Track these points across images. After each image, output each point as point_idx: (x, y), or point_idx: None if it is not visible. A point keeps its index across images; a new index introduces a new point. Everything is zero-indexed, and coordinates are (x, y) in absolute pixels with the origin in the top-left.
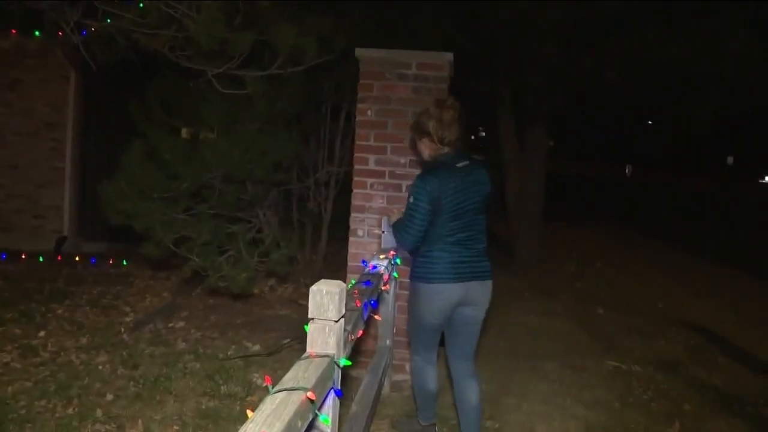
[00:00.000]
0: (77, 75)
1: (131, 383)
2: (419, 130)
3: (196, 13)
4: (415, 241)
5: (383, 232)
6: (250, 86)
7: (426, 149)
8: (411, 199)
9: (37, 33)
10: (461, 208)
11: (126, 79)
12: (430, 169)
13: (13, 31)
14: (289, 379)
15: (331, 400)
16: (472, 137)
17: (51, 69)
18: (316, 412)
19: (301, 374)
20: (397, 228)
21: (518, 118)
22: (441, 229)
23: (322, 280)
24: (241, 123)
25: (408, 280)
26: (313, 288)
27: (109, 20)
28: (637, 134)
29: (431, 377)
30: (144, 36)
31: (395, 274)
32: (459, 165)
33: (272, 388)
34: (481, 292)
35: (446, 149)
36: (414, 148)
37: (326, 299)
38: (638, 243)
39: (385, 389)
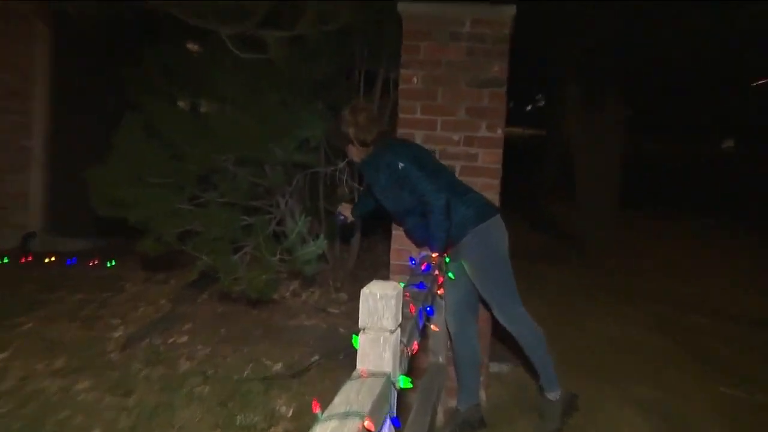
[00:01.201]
0: (49, 32)
1: (123, 414)
2: (343, 138)
3: None
4: (445, 196)
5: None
6: (272, 50)
7: (354, 154)
8: (401, 165)
9: None
10: (435, 163)
11: (112, 39)
12: (382, 148)
13: None
14: (339, 403)
15: (387, 430)
16: (528, 107)
17: (14, 25)
18: None
19: (354, 397)
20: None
21: (587, 85)
22: (443, 179)
23: (374, 282)
24: (260, 93)
25: None
26: (365, 291)
27: None
28: (738, 101)
29: None
30: None
31: (450, 274)
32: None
33: (321, 414)
34: None
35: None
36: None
37: (380, 304)
38: (734, 236)
39: (439, 417)
